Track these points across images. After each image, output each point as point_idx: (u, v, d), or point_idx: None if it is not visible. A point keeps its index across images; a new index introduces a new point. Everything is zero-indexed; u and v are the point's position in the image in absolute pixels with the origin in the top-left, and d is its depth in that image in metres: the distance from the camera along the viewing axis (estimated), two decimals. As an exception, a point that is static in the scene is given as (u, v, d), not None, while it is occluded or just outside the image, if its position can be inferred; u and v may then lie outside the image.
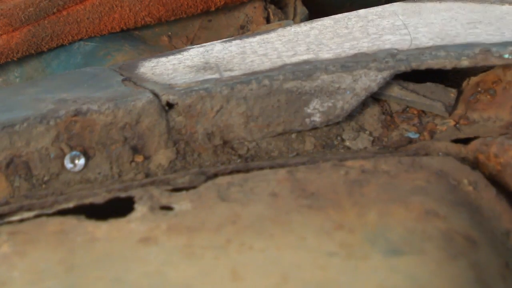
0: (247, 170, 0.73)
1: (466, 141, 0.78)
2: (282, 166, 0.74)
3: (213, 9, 1.06)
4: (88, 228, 0.67)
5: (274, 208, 0.68)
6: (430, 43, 0.82)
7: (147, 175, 0.75)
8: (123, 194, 0.71)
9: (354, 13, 0.92)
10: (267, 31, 0.90)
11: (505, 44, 0.80)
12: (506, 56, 0.80)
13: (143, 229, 0.66)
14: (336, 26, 0.89)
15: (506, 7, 0.92)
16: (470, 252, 0.65)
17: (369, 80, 0.80)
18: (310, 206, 0.68)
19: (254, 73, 0.79)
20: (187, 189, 0.71)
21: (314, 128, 0.81)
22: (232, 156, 0.78)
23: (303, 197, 0.69)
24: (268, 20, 1.09)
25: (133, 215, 0.68)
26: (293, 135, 0.80)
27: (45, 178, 0.74)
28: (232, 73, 0.80)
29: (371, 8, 0.93)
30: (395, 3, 0.95)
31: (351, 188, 0.70)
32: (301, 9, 1.10)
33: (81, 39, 1.02)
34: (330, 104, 0.80)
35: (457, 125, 0.82)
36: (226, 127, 0.78)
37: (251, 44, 0.87)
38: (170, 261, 0.63)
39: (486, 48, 0.80)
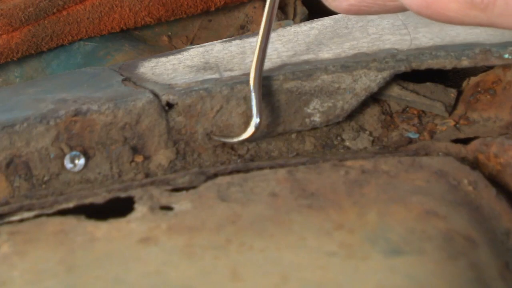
0: (247, 170, 0.73)
1: (466, 141, 0.78)
2: (282, 166, 0.74)
3: (213, 9, 1.05)
4: (88, 228, 0.67)
5: (274, 208, 0.68)
6: (430, 43, 0.82)
7: (147, 175, 0.75)
8: (123, 194, 0.71)
9: (354, 13, 0.92)
10: (267, 31, 0.90)
11: (505, 44, 0.80)
12: (506, 56, 0.80)
13: (143, 229, 0.66)
14: (336, 26, 0.89)
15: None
16: (470, 252, 0.65)
17: (369, 80, 0.80)
18: (310, 206, 0.68)
19: (254, 73, 0.79)
20: (187, 189, 0.71)
21: (314, 128, 0.81)
22: (232, 156, 0.78)
23: (303, 197, 0.69)
24: (268, 20, 1.08)
25: (133, 215, 0.68)
26: (293, 135, 0.80)
27: (45, 178, 0.74)
28: (232, 73, 0.80)
29: (371, 8, 0.93)
30: (395, 3, 0.95)
31: (351, 188, 0.70)
32: (301, 9, 1.10)
33: (81, 39, 1.02)
34: (330, 104, 0.80)
35: (457, 125, 0.82)
36: (226, 127, 0.78)
37: (251, 44, 0.87)
38: (170, 261, 0.63)
39: (486, 48, 0.80)
